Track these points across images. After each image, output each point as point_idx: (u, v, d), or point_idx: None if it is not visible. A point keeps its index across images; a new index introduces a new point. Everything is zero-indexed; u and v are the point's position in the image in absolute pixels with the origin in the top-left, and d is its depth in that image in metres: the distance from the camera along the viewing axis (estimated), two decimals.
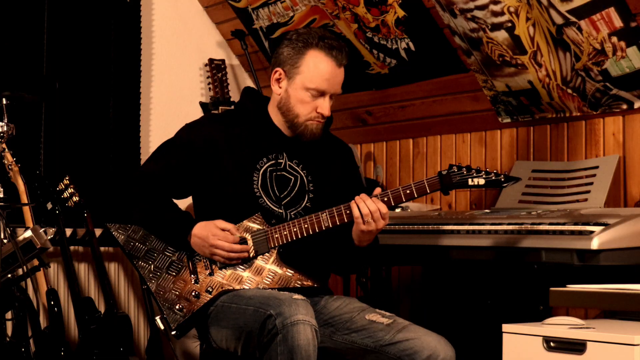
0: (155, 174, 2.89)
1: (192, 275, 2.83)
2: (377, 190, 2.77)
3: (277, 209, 2.87)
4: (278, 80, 2.89)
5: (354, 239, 2.81)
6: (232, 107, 4.26)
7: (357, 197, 2.75)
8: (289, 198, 2.89)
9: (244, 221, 2.85)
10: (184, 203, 2.97)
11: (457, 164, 2.77)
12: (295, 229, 2.81)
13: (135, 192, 2.90)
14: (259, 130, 2.92)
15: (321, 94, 2.84)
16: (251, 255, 2.83)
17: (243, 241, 2.83)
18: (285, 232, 2.82)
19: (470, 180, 2.73)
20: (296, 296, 2.62)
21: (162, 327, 2.83)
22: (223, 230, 2.81)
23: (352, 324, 2.80)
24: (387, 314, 2.81)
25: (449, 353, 2.68)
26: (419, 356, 2.67)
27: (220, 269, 2.84)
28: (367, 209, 2.72)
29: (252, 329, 2.62)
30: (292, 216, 2.87)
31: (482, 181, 2.73)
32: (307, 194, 2.91)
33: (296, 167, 2.92)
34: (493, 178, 2.73)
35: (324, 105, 2.84)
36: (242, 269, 2.83)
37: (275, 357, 2.54)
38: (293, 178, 2.91)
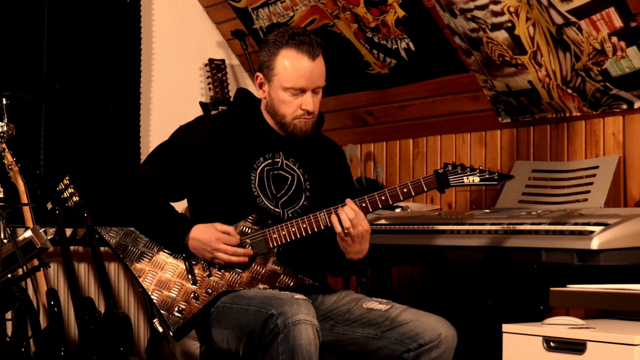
0: (152, 176, 2.88)
1: (190, 277, 2.82)
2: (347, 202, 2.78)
3: (274, 208, 2.87)
4: (261, 85, 2.91)
5: (344, 253, 2.82)
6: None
7: (338, 211, 2.76)
8: (286, 197, 2.89)
9: (240, 222, 2.84)
10: (179, 207, 2.96)
11: (451, 162, 2.85)
12: (293, 229, 2.81)
13: (131, 194, 2.88)
14: (255, 130, 2.92)
15: (301, 91, 2.83)
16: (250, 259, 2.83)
17: (242, 244, 2.82)
18: (283, 232, 2.81)
19: (465, 178, 2.82)
20: (297, 296, 2.62)
21: (160, 329, 2.82)
22: (223, 232, 2.81)
23: (351, 314, 2.81)
24: (384, 300, 2.82)
25: (451, 332, 2.70)
26: (420, 337, 2.68)
27: (219, 270, 2.83)
28: (347, 220, 2.73)
29: (253, 329, 2.62)
30: (290, 215, 2.87)
31: (477, 179, 2.82)
32: (304, 192, 2.91)
33: (292, 166, 2.92)
34: (487, 176, 2.83)
35: (307, 101, 2.83)
36: (241, 269, 2.83)
37: (276, 357, 2.54)
38: (290, 177, 2.91)
